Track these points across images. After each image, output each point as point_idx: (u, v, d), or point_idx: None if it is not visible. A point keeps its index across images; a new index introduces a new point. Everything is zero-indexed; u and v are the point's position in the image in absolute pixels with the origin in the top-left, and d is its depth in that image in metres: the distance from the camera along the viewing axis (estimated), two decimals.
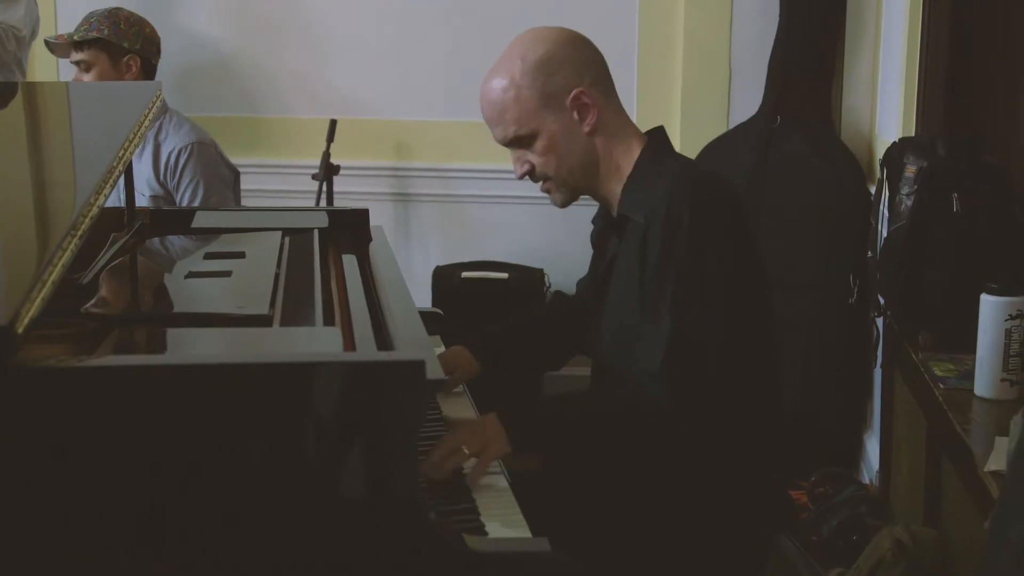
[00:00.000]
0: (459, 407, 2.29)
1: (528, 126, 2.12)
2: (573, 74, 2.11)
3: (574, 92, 2.11)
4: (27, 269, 1.59)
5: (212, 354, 1.55)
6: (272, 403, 1.49)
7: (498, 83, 2.13)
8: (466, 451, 1.94)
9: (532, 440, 2.03)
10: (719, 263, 2.02)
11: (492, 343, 2.48)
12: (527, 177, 2.19)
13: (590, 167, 2.16)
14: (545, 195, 2.24)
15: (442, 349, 2.54)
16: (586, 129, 2.13)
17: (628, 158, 2.16)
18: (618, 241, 2.21)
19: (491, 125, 2.17)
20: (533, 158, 2.15)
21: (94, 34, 3.51)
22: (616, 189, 2.17)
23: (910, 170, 3.01)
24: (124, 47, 3.54)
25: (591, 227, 2.38)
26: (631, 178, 2.15)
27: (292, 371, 1.49)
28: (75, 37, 3.53)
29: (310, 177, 4.15)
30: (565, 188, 2.19)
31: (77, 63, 3.56)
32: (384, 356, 1.61)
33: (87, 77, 3.53)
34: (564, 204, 2.23)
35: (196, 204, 3.44)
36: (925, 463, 2.84)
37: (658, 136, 2.21)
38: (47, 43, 3.69)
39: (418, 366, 1.49)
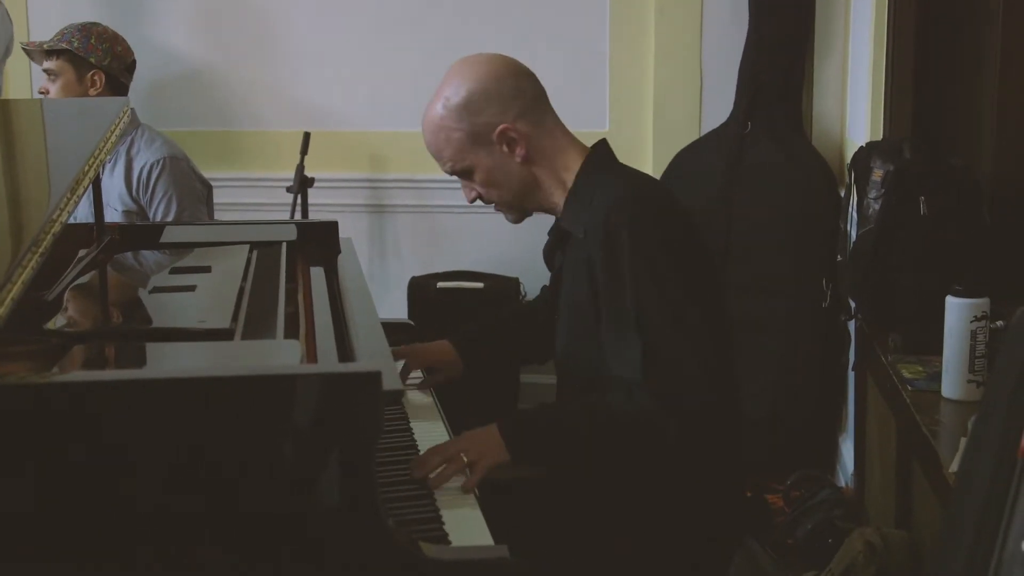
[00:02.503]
0: (427, 414, 2.31)
1: (463, 163, 2.21)
2: (497, 111, 2.17)
3: (499, 128, 2.17)
4: None
5: (169, 368, 1.56)
6: (230, 416, 1.49)
7: (430, 125, 2.22)
8: (464, 459, 1.97)
9: (531, 451, 2.07)
10: (668, 262, 2.06)
11: (475, 338, 2.56)
12: (478, 201, 2.27)
13: (530, 191, 2.23)
14: None
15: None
16: (518, 160, 2.19)
17: (569, 173, 2.22)
18: (562, 256, 2.28)
19: (435, 160, 2.27)
20: (477, 187, 2.24)
21: (63, 45, 3.52)
22: (561, 203, 2.23)
23: (877, 174, 3.03)
24: (90, 62, 3.55)
25: None
26: (571, 193, 2.21)
27: (248, 384, 1.50)
28: (45, 45, 3.55)
29: (284, 190, 4.15)
30: (512, 211, 2.28)
31: (45, 71, 3.58)
32: (340, 367, 1.62)
33: (52, 87, 3.55)
34: (517, 221, 2.33)
35: (169, 218, 3.44)
36: (896, 465, 2.85)
37: (599, 150, 2.26)
38: (23, 46, 3.71)
39: (374, 377, 1.50)
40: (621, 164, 2.28)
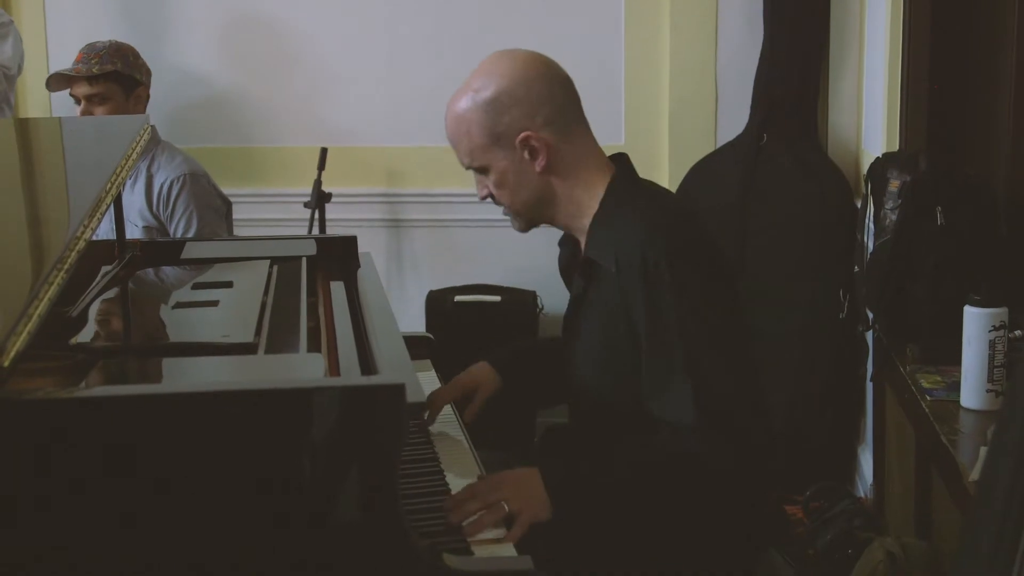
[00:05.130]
0: (447, 429, 2.31)
1: (479, 161, 2.14)
2: (523, 115, 2.10)
3: (522, 135, 2.10)
4: (17, 303, 1.62)
5: (196, 383, 1.57)
6: (255, 429, 1.51)
7: (452, 114, 2.15)
8: (506, 508, 1.87)
9: (578, 507, 1.97)
10: (710, 300, 2.01)
11: (519, 358, 2.48)
12: (490, 199, 2.20)
13: (544, 203, 2.16)
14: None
15: (431, 373, 2.56)
16: (538, 169, 2.12)
17: (591, 195, 2.15)
18: (584, 283, 2.19)
19: (453, 149, 2.19)
20: (490, 187, 2.17)
21: (109, 67, 3.53)
22: (578, 225, 2.17)
23: (894, 184, 3.04)
24: (136, 79, 3.59)
25: None
26: (596, 218, 2.13)
27: (273, 397, 1.51)
28: (94, 70, 3.53)
29: (302, 205, 4.18)
30: (520, 219, 2.21)
31: (88, 97, 3.56)
32: (365, 380, 1.63)
33: (100, 110, 3.55)
34: (523, 230, 2.25)
35: (190, 235, 3.46)
36: (915, 475, 2.85)
37: (623, 169, 2.19)
38: (53, 77, 3.65)
39: (398, 390, 1.51)
40: (643, 184, 2.22)
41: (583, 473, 2.01)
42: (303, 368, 1.69)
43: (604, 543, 2.05)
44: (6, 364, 1.44)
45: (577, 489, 1.98)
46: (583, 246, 2.19)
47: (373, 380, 1.62)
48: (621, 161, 2.22)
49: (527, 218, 2.20)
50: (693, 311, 1.98)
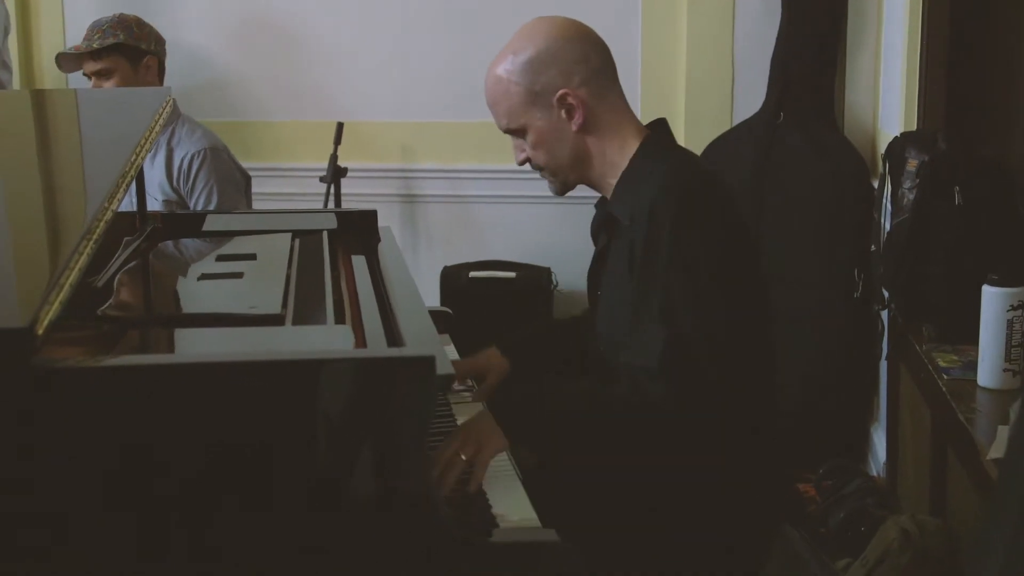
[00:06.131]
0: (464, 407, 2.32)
1: (517, 121, 2.18)
2: (560, 74, 2.15)
3: (559, 93, 2.15)
4: (43, 273, 1.63)
5: (228, 352, 1.58)
6: (287, 400, 1.52)
7: (492, 75, 2.18)
8: (463, 457, 1.93)
9: (527, 436, 2.05)
10: (707, 260, 2.03)
11: (528, 343, 2.52)
12: (527, 164, 2.24)
13: (581, 162, 2.20)
14: (550, 193, 2.29)
15: (451, 347, 2.57)
16: (574, 128, 2.16)
17: (623, 155, 2.19)
18: (607, 239, 2.25)
19: (491, 112, 2.22)
20: (527, 149, 2.21)
21: (111, 40, 3.52)
22: (609, 184, 2.21)
23: (912, 164, 3.04)
24: (142, 48, 3.57)
25: None
26: (622, 178, 2.18)
27: (306, 368, 1.52)
28: (94, 45, 3.52)
29: (318, 180, 4.19)
30: (557, 180, 2.25)
31: (95, 73, 3.55)
32: (395, 352, 1.64)
33: (108, 85, 3.53)
34: (561, 192, 2.28)
35: (210, 208, 3.46)
36: (931, 454, 2.86)
37: (657, 131, 2.23)
38: (58, 57, 3.66)
39: (428, 361, 1.53)
40: (677, 149, 2.25)
41: (531, 405, 2.08)
42: (332, 340, 1.70)
43: (621, 520, 2.08)
44: (40, 332, 1.45)
45: (523, 414, 2.04)
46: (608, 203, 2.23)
47: (404, 352, 1.63)
48: (658, 125, 2.25)
49: (563, 178, 2.24)
50: (684, 268, 2.01)
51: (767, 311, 2.18)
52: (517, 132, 2.20)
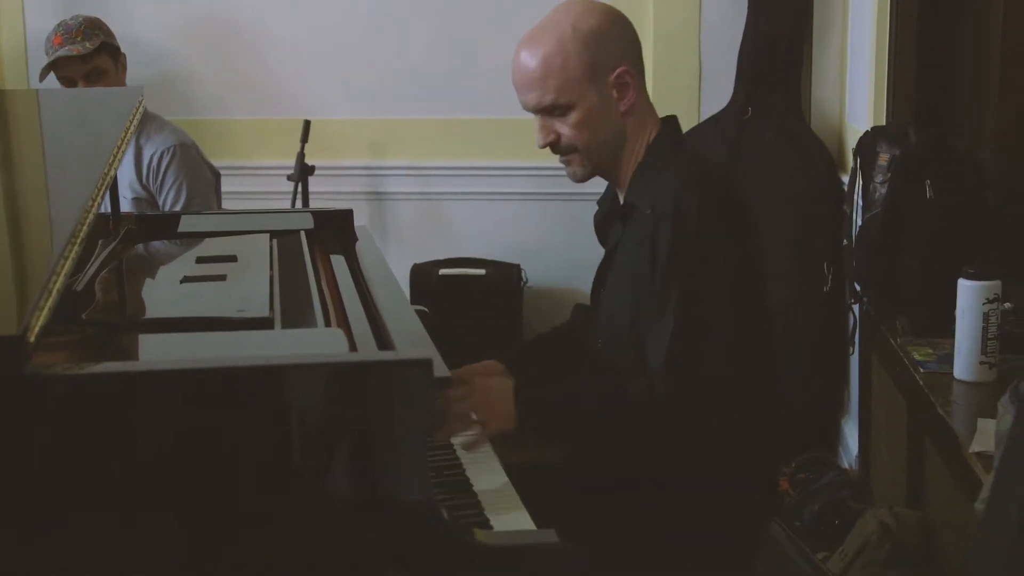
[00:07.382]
0: None
1: (568, 96, 2.10)
2: (619, 52, 2.11)
3: (619, 70, 2.11)
4: (30, 278, 1.61)
5: (225, 357, 1.56)
6: (283, 406, 1.50)
7: (544, 48, 2.09)
8: (474, 417, 1.96)
9: (538, 425, 2.05)
10: (724, 262, 2.03)
11: (525, 355, 2.49)
12: (549, 147, 2.17)
13: (617, 146, 2.16)
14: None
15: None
16: (622, 108, 2.13)
17: (644, 144, 2.17)
18: (622, 229, 2.21)
19: (525, 90, 2.13)
20: (563, 129, 2.14)
21: (98, 40, 3.51)
22: (627, 172, 2.18)
23: (883, 158, 3.06)
24: (117, 46, 3.58)
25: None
26: (641, 166, 2.16)
27: (302, 373, 1.51)
28: (88, 46, 3.49)
29: (285, 178, 4.16)
30: (588, 163, 2.18)
31: (87, 74, 3.51)
32: (392, 356, 1.62)
33: (99, 86, 3.50)
34: (582, 179, 2.21)
35: (179, 206, 3.44)
36: (907, 446, 2.88)
37: (671, 125, 2.22)
38: (57, 61, 3.53)
39: (425, 364, 1.52)
40: (686, 143, 2.27)
41: (554, 398, 2.08)
42: (326, 343, 1.68)
43: (616, 519, 2.08)
44: (32, 339, 1.43)
45: (544, 412, 2.05)
46: (623, 194, 2.20)
47: (401, 355, 1.61)
48: (671, 120, 2.24)
49: (596, 161, 2.18)
50: (704, 253, 2.01)
51: (769, 310, 2.19)
52: (560, 109, 2.12)
